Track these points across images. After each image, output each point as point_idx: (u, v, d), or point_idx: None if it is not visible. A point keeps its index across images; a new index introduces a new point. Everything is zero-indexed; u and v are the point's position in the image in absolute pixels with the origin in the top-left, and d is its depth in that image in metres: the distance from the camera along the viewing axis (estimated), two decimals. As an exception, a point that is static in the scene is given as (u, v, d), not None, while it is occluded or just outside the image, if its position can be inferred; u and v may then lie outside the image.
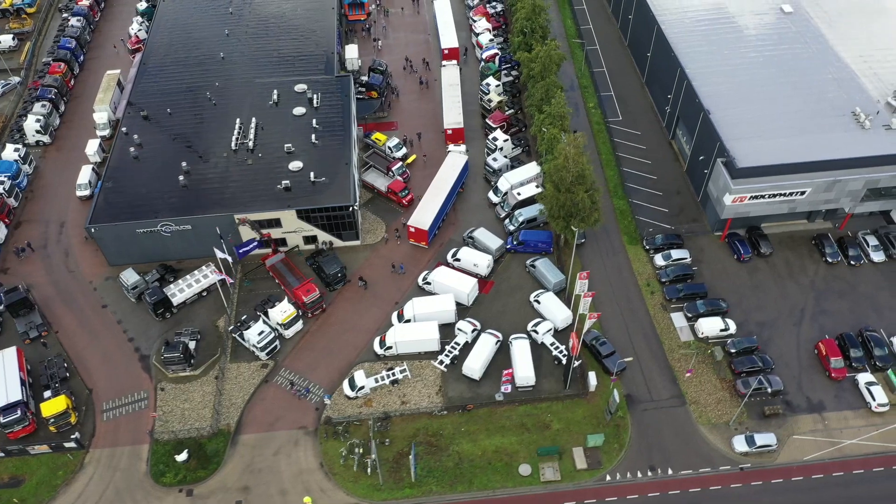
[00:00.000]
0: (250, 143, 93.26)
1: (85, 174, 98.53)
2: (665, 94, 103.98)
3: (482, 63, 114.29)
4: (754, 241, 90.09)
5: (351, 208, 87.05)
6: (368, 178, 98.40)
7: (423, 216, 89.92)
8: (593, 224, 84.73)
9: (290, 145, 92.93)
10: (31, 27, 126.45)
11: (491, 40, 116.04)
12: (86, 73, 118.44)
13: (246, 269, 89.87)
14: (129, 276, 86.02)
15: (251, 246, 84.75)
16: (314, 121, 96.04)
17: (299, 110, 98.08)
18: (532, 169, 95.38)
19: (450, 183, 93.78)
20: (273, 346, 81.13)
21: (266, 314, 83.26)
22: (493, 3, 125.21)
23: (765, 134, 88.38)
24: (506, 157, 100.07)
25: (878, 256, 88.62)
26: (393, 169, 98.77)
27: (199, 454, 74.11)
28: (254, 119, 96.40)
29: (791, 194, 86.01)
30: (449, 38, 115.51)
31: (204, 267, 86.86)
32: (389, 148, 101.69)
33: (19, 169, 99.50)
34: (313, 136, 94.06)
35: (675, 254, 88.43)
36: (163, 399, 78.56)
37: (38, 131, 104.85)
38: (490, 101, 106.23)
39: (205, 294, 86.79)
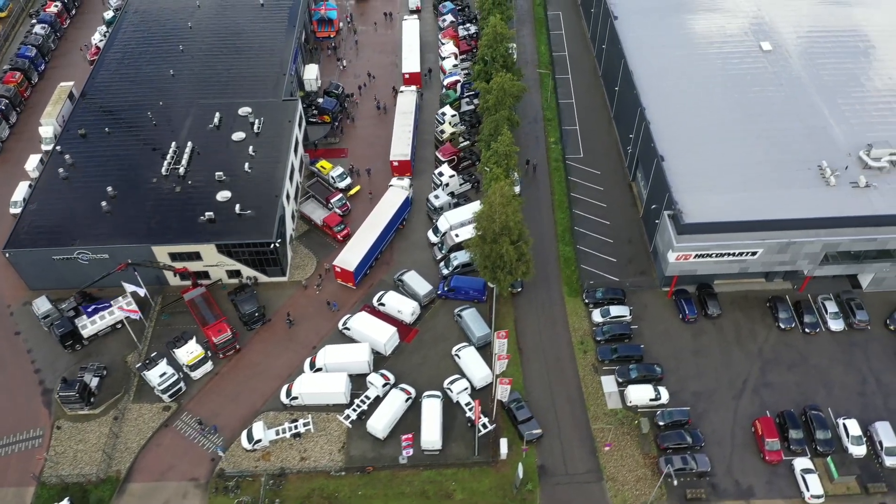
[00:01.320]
0: (181, 170, 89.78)
1: (20, 191, 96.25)
2: (628, 132, 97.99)
3: (443, 90, 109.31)
4: (703, 300, 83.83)
5: (272, 245, 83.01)
6: (306, 209, 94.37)
7: (349, 256, 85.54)
8: (522, 276, 79.55)
9: (221, 173, 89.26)
10: None
11: (455, 66, 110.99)
12: (45, 82, 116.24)
13: (166, 300, 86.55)
14: (42, 305, 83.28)
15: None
16: (251, 147, 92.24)
17: (239, 135, 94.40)
18: (475, 209, 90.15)
19: (385, 219, 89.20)
20: (177, 388, 77.60)
21: (173, 354, 79.74)
22: (467, 25, 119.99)
23: (720, 186, 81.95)
24: (451, 193, 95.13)
25: (836, 325, 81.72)
26: (332, 201, 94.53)
27: (83, 503, 70.89)
28: (189, 143, 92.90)
29: (742, 254, 79.64)
30: (411, 61, 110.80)
31: (120, 298, 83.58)
32: (333, 177, 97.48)
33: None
34: (246, 165, 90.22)
35: (615, 310, 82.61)
36: (57, 438, 75.55)
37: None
38: (443, 132, 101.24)
39: (119, 326, 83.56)
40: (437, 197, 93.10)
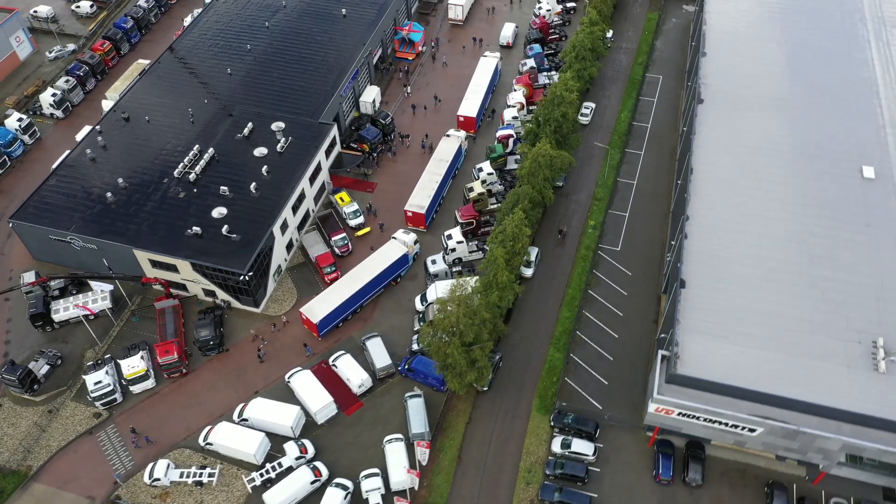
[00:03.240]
0: (192, 176, 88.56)
1: (60, 160, 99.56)
2: (672, 237, 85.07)
3: (495, 141, 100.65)
4: (687, 461, 70.78)
5: (242, 277, 79.65)
6: (307, 241, 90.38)
7: (318, 306, 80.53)
8: (476, 381, 70.87)
9: (226, 189, 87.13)
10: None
11: (515, 117, 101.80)
12: (135, 54, 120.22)
13: (146, 301, 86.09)
14: (28, 278, 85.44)
15: None
16: (265, 168, 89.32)
17: (261, 151, 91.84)
18: (469, 283, 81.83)
19: (372, 274, 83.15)
20: (111, 398, 76.67)
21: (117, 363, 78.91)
22: (551, 74, 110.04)
23: (738, 337, 68.37)
24: (457, 260, 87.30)
25: (841, 542, 66.14)
26: (334, 238, 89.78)
27: (-14, 489, 71.76)
28: (211, 149, 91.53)
29: (737, 427, 66.03)
30: (470, 103, 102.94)
31: (99, 290, 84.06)
32: (346, 213, 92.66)
33: (15, 138, 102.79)
34: (253, 185, 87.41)
35: (578, 445, 71.70)
36: (-6, 417, 77.22)
37: (51, 105, 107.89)
38: (471, 189, 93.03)
39: (92, 317, 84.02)
40: (434, 262, 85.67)
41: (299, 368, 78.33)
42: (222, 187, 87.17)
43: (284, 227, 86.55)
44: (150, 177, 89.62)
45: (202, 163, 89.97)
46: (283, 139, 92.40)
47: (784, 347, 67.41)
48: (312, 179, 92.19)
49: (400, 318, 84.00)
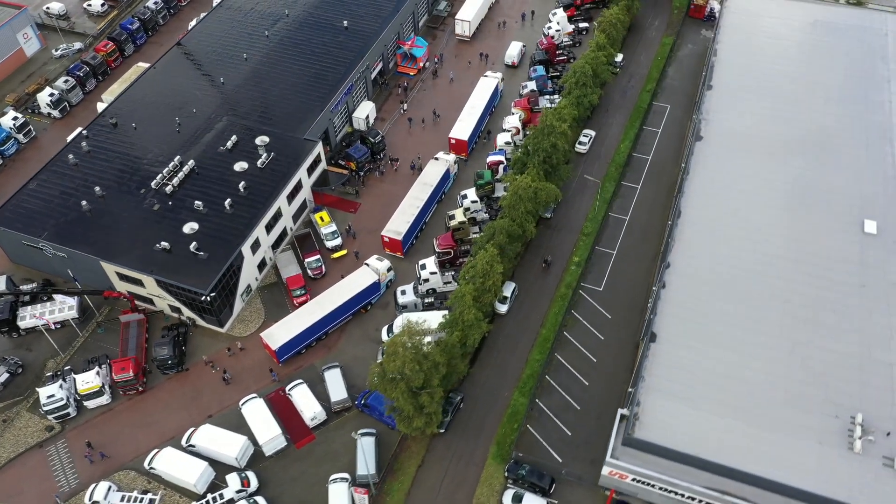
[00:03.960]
0: (169, 188, 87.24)
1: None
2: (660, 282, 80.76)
3: (487, 168, 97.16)
4: (643, 528, 66.83)
5: (204, 297, 77.96)
6: (281, 261, 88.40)
7: (279, 332, 78.45)
8: (425, 427, 67.95)
9: (200, 204, 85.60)
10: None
11: (507, 143, 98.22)
12: (139, 56, 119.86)
13: (114, 313, 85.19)
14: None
15: None
16: (242, 183, 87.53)
17: (241, 166, 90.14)
18: (433, 320, 78.71)
19: (338, 302, 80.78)
20: (64, 413, 75.80)
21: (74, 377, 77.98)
22: (554, 98, 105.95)
23: (703, 401, 64.45)
24: (430, 291, 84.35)
25: None
26: (307, 260, 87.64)
27: (-71, 498, 71.44)
28: (191, 161, 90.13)
29: (695, 500, 61.84)
30: (463, 125, 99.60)
31: (65, 300, 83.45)
32: (324, 234, 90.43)
33: (9, 136, 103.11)
34: (228, 202, 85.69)
35: (529, 501, 68.13)
36: (-50, 422, 76.99)
37: (48, 104, 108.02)
38: (452, 217, 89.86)
39: (58, 326, 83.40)
40: (404, 293, 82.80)
41: (254, 395, 76.32)
42: (196, 202, 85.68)
43: (256, 245, 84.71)
44: (128, 186, 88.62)
45: (181, 175, 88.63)
46: (265, 154, 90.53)
47: (753, 417, 63.09)
48: (291, 197, 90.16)
49: (365, 349, 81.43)
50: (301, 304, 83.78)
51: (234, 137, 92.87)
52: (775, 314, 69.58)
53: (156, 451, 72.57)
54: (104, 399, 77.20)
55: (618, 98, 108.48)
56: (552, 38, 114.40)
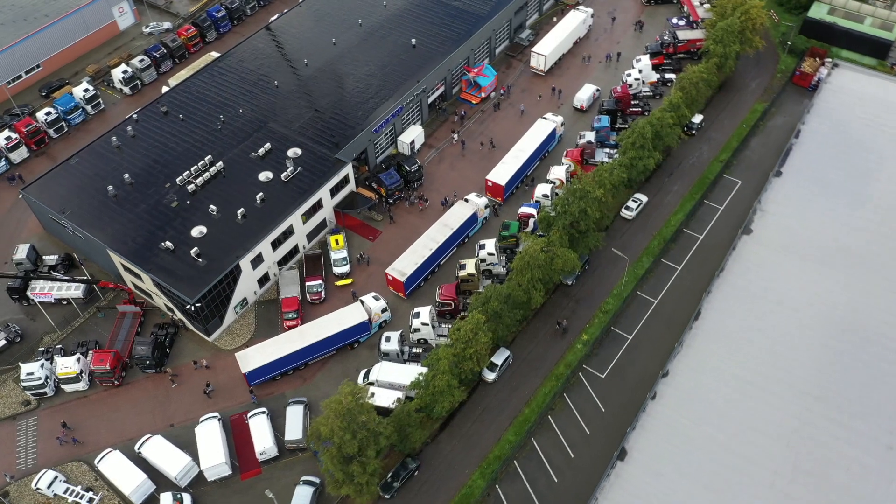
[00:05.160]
0: (192, 186, 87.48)
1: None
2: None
3: (517, 218, 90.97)
4: None
5: (190, 307, 77.37)
6: (284, 280, 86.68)
7: (253, 356, 76.64)
8: (357, 495, 64.01)
9: (214, 208, 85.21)
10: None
11: (545, 195, 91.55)
12: (220, 44, 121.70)
13: (119, 299, 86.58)
14: (21, 252, 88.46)
15: None
16: (260, 195, 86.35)
17: (266, 176, 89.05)
18: (410, 375, 74.27)
19: (322, 335, 77.99)
20: (41, 391, 77.66)
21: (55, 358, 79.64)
22: (612, 152, 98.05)
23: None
24: (420, 341, 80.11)
25: None
26: (308, 283, 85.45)
27: None
28: (220, 163, 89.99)
29: None
30: (503, 169, 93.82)
31: (74, 281, 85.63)
32: (334, 259, 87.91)
33: (76, 107, 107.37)
34: (241, 211, 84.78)
35: None
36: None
37: (120, 81, 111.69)
38: (463, 266, 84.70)
39: (65, 303, 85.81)
40: (388, 339, 78.72)
41: (214, 415, 75.04)
42: (212, 206, 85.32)
43: (259, 260, 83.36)
44: (156, 178, 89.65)
45: (207, 175, 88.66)
46: (291, 167, 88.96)
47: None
48: (309, 215, 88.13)
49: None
50: (290, 327, 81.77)
51: (267, 145, 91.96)
52: (774, 459, 60.33)
53: (108, 450, 72.80)
54: (80, 386, 78.43)
55: (685, 163, 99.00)
56: (629, 86, 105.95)
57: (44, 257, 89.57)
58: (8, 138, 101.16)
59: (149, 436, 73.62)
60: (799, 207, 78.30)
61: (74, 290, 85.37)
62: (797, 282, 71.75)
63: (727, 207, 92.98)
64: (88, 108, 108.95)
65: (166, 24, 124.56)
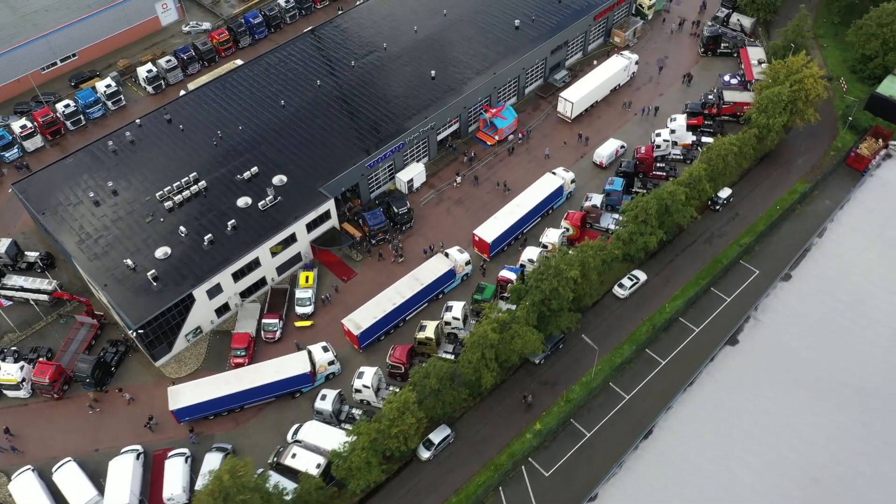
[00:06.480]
0: (170, 204, 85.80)
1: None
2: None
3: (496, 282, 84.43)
4: None
5: (132, 331, 75.51)
6: (242, 312, 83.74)
7: (184, 393, 73.97)
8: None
9: (185, 230, 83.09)
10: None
11: (530, 260, 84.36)
12: (251, 50, 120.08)
13: (80, 308, 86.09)
14: (1, 246, 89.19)
15: None
16: (232, 223, 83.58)
17: (245, 201, 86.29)
18: (337, 440, 69.40)
19: (261, 381, 74.56)
20: (-14, 392, 77.94)
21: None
22: (617, 217, 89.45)
23: None
24: (363, 402, 75.30)
25: None
26: (265, 321, 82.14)
27: None
28: (203, 182, 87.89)
29: None
30: (494, 224, 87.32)
31: (44, 280, 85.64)
32: (298, 298, 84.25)
33: (97, 101, 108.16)
34: (208, 237, 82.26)
35: None
36: None
37: (145, 79, 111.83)
38: (423, 328, 79.05)
39: (31, 302, 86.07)
40: (323, 398, 74.20)
41: (135, 448, 72.76)
42: (182, 227, 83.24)
43: (217, 290, 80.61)
44: (138, 189, 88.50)
45: (187, 193, 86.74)
46: (271, 196, 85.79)
47: None
48: (285, 245, 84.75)
49: (270, 439, 74.55)
50: (237, 365, 78.82)
51: (255, 168, 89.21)
52: None
53: (26, 468, 71.77)
54: (22, 394, 78.02)
55: (699, 240, 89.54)
56: (657, 147, 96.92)
57: (26, 253, 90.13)
58: (23, 126, 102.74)
59: (68, 460, 72.15)
60: (800, 322, 68.24)
61: (40, 292, 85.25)
62: (777, 413, 62.29)
63: (735, 300, 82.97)
64: (109, 103, 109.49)
65: (206, 25, 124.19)
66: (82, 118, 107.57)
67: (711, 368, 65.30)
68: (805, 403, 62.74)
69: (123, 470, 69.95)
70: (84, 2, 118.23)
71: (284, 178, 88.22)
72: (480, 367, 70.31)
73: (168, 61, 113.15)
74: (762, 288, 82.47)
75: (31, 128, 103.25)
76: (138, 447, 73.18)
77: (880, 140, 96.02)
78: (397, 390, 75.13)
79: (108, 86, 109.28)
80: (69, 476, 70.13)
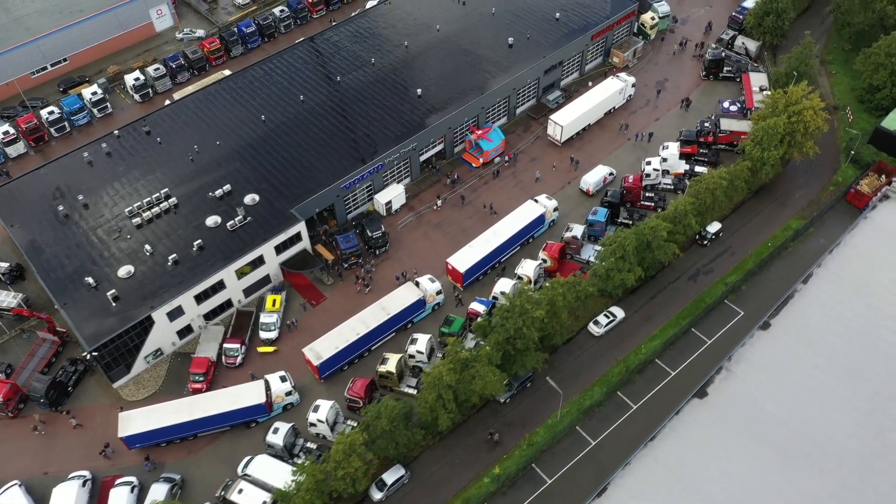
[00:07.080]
0: (138, 220, 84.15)
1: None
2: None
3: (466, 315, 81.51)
4: None
5: (86, 354, 73.92)
6: (205, 335, 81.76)
7: (136, 420, 72.13)
8: None
9: (150, 248, 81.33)
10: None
11: (502, 293, 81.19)
12: (243, 59, 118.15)
13: (43, 325, 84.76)
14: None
15: None
16: (198, 242, 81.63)
17: (214, 220, 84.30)
18: (285, 477, 67.05)
19: (216, 410, 72.54)
20: (-58, 408, 76.77)
21: (-42, 378, 78.40)
22: (598, 248, 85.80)
23: None
24: (317, 436, 72.89)
25: None
26: (226, 346, 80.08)
27: None
28: (174, 199, 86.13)
29: None
30: (468, 253, 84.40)
31: (9, 294, 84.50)
32: (262, 322, 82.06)
33: (82, 108, 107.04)
34: (174, 256, 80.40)
35: None
36: None
37: (132, 87, 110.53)
38: (385, 361, 76.35)
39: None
40: (275, 432, 71.81)
41: (82, 474, 71.03)
42: (147, 245, 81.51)
43: (178, 312, 78.66)
44: (108, 204, 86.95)
45: (157, 210, 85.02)
46: (240, 216, 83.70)
47: None
48: (253, 266, 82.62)
49: (220, 472, 72.30)
50: (195, 390, 76.88)
51: (227, 186, 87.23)
52: None
53: (-27, 484, 70.59)
54: (-26, 409, 76.92)
55: (683, 277, 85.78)
56: (644, 175, 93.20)
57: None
58: (6, 132, 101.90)
59: (13, 483, 70.68)
60: (776, 377, 64.29)
61: (6, 303, 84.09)
62: (739, 475, 58.60)
63: (716, 342, 79.17)
64: (95, 111, 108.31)
65: (199, 32, 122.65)
66: (67, 125, 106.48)
67: (676, 423, 61.83)
68: (773, 466, 59.03)
69: (66, 498, 68.22)
70: (77, 6, 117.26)
71: (257, 198, 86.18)
72: (437, 407, 67.52)
73: (156, 69, 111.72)
74: (744, 331, 78.71)
75: (13, 134, 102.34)
76: (86, 473, 71.49)
77: (883, 176, 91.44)
78: (354, 425, 73.12)
79: (94, 93, 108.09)
80: (12, 501, 68.52)
